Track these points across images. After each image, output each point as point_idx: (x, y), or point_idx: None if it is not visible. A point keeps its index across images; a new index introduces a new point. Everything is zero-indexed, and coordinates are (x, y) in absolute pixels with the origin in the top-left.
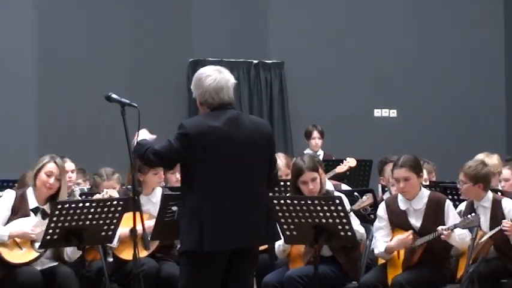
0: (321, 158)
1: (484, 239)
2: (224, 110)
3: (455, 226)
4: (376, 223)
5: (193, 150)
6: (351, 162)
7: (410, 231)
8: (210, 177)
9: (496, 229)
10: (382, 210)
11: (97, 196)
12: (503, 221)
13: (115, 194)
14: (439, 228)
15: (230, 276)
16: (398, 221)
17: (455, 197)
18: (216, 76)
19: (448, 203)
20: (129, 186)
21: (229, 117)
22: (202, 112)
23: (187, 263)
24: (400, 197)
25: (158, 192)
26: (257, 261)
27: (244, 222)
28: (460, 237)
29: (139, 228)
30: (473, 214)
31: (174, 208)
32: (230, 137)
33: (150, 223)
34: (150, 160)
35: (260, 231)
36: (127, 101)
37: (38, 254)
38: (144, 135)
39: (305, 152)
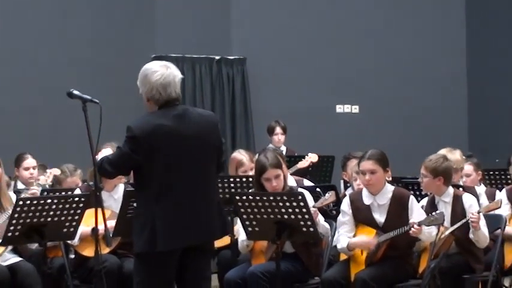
0: (283, 153)
1: (445, 234)
2: (171, 106)
3: (420, 223)
4: (340, 218)
5: (142, 151)
6: (312, 157)
7: (375, 242)
8: (161, 176)
9: (458, 224)
10: (346, 205)
11: (41, 178)
12: (470, 212)
13: (57, 172)
14: (411, 221)
15: (186, 272)
16: (362, 216)
17: (417, 192)
18: (163, 72)
19: (412, 199)
20: (91, 183)
21: (177, 113)
22: (149, 109)
23: (140, 263)
24: (364, 192)
25: (120, 188)
26: (211, 257)
27: (197, 220)
28: (429, 231)
29: (101, 224)
30: (437, 211)
31: (136, 204)
32: (179, 134)
33: (112, 220)
34: (107, 171)
35: (213, 228)
36: (88, 97)
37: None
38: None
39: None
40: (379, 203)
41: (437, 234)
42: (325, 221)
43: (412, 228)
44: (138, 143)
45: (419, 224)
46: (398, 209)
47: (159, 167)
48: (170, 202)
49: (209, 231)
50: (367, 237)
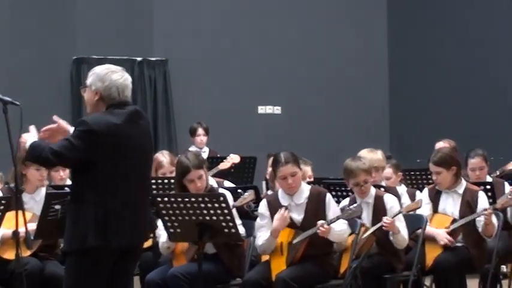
0: (206, 155)
1: (366, 234)
2: (122, 108)
3: (338, 217)
4: (258, 221)
5: (96, 146)
6: (234, 158)
7: (283, 208)
8: (112, 175)
9: (378, 225)
10: (263, 207)
11: None
12: (384, 217)
13: None
14: (319, 222)
15: (117, 274)
16: None
17: (339, 193)
18: (122, 74)
19: (329, 197)
20: (12, 185)
21: (129, 115)
22: (93, 107)
23: (79, 262)
24: (280, 193)
25: (42, 190)
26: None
27: (141, 220)
28: (339, 233)
29: (21, 227)
30: (355, 205)
31: (57, 207)
32: (131, 136)
33: (33, 223)
34: (49, 161)
35: (148, 227)
36: (9, 99)
37: None
38: (33, 134)
39: (190, 149)
40: (297, 203)
41: (357, 234)
42: (245, 221)
43: (321, 228)
44: (92, 137)
45: (338, 218)
46: (315, 208)
47: (109, 164)
48: (119, 199)
49: (148, 232)
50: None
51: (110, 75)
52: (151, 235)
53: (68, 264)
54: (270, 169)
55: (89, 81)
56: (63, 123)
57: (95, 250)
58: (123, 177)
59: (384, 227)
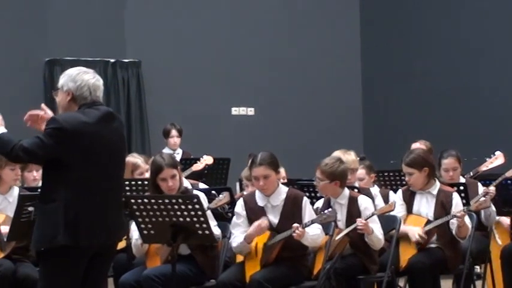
0: (179, 156)
1: (340, 236)
2: (94, 108)
3: (313, 221)
4: (234, 220)
5: (66, 145)
6: (207, 160)
7: (264, 218)
8: (83, 174)
9: (352, 226)
10: (240, 206)
11: None
12: (358, 219)
13: None
14: (294, 225)
15: (91, 274)
16: (256, 217)
17: (313, 194)
18: (94, 75)
19: (306, 200)
20: None
21: (102, 115)
22: (65, 107)
23: (51, 261)
24: (258, 193)
25: (15, 191)
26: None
27: (113, 220)
28: (313, 237)
29: None
30: (329, 209)
31: (31, 208)
32: (103, 136)
33: (6, 225)
34: (18, 157)
35: (122, 229)
36: None
37: None
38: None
39: (164, 151)
40: (273, 204)
41: (331, 236)
42: (219, 222)
43: (296, 231)
44: (63, 136)
45: (312, 222)
46: (292, 210)
47: (80, 163)
48: (90, 199)
49: (119, 232)
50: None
51: (82, 76)
52: (125, 237)
53: (41, 266)
54: (246, 169)
55: (60, 82)
56: (50, 113)
57: (65, 249)
58: (94, 178)
59: (358, 229)
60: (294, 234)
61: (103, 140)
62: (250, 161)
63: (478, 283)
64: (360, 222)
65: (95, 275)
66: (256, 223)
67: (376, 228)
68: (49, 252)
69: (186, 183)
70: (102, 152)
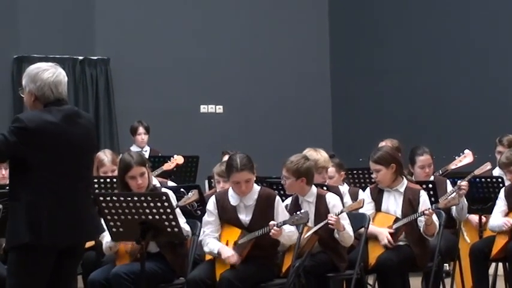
0: (147, 154)
1: (309, 233)
2: (59, 105)
3: (285, 223)
4: (205, 217)
5: (30, 144)
6: (178, 159)
7: (232, 256)
8: (46, 172)
9: (321, 224)
10: (211, 204)
11: None
12: (329, 215)
13: None
14: (271, 223)
15: (59, 274)
16: (227, 216)
17: (282, 192)
18: (54, 70)
19: (278, 200)
20: None
21: (66, 113)
22: (31, 107)
23: (18, 259)
24: (230, 192)
25: None
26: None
27: (79, 219)
28: (289, 234)
29: None
30: (302, 211)
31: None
32: (68, 133)
33: None
34: None
35: (92, 228)
36: None
37: None
38: None
39: (131, 148)
40: (246, 204)
41: (300, 234)
42: (189, 220)
43: (272, 230)
44: (27, 135)
45: (284, 223)
46: (264, 209)
47: (45, 162)
48: (55, 198)
49: (89, 232)
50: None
51: (41, 75)
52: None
53: (8, 263)
54: (218, 165)
55: (23, 83)
56: None
57: (30, 248)
58: (59, 176)
59: (329, 225)
60: (271, 233)
61: (68, 138)
62: (226, 164)
63: (447, 281)
64: (331, 217)
65: (63, 273)
66: (226, 256)
67: (346, 224)
68: (15, 250)
69: (155, 181)
70: (67, 151)
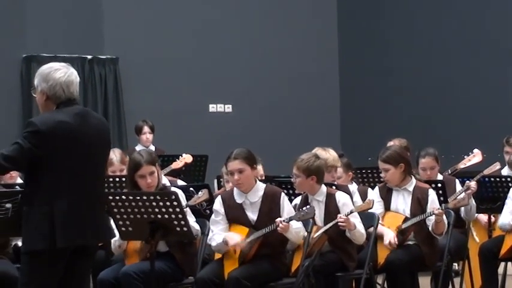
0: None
1: (318, 233)
2: (71, 105)
3: (291, 219)
4: (213, 217)
5: (44, 147)
6: (187, 158)
7: (243, 245)
8: (61, 174)
9: (331, 224)
10: (218, 204)
11: None
12: (339, 215)
13: None
14: (277, 220)
15: (72, 274)
16: (234, 214)
17: (291, 191)
18: (66, 70)
19: (283, 196)
20: None
21: (78, 112)
22: (44, 107)
23: (30, 262)
24: (236, 190)
25: None
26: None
27: (92, 220)
28: (296, 230)
29: None
30: (308, 206)
31: (8, 205)
32: (80, 133)
33: None
34: (2, 166)
35: (104, 229)
36: None
37: None
38: None
39: (136, 148)
40: (251, 201)
41: (309, 233)
42: (198, 219)
43: (280, 225)
44: (41, 138)
45: (291, 219)
46: (270, 207)
47: (59, 164)
48: (68, 200)
49: (102, 233)
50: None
51: (53, 74)
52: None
53: (21, 263)
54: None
55: (35, 82)
56: None
57: (43, 252)
58: (72, 177)
59: (339, 225)
60: (279, 228)
61: (80, 138)
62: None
63: (456, 280)
64: (340, 217)
65: (78, 273)
66: (234, 242)
67: (357, 223)
68: (28, 253)
69: (165, 180)
70: (80, 150)
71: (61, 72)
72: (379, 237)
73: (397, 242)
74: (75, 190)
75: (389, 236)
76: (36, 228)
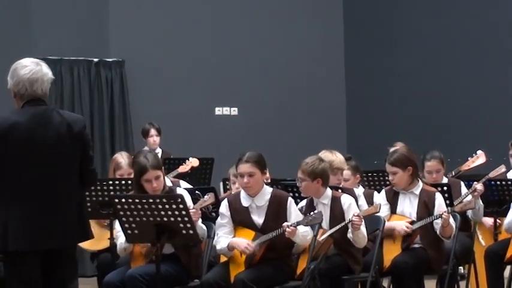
0: (159, 155)
1: (324, 236)
2: (34, 105)
3: (298, 223)
4: (219, 220)
5: None
6: (193, 162)
7: (250, 249)
8: (13, 176)
9: (337, 227)
10: (224, 207)
11: None
12: (354, 213)
13: None
14: (284, 224)
15: (51, 280)
16: (240, 218)
17: (297, 194)
18: (32, 67)
19: (291, 201)
20: None
21: (37, 113)
22: (16, 105)
23: (4, 265)
24: (242, 193)
25: None
26: (75, 262)
27: (51, 223)
28: (303, 234)
29: None
30: (315, 211)
31: None
32: (35, 134)
33: None
34: None
35: (68, 232)
36: None
37: None
38: None
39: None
40: (258, 205)
41: (315, 236)
42: (203, 222)
43: (287, 229)
44: None
45: (298, 223)
46: (276, 211)
47: (13, 166)
48: (23, 204)
49: (64, 236)
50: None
51: (18, 71)
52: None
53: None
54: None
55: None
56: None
57: (6, 254)
58: (26, 180)
59: (353, 223)
60: (286, 233)
61: (35, 140)
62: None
63: (462, 284)
64: (355, 216)
65: (52, 278)
66: (243, 245)
67: (361, 226)
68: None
69: (167, 181)
70: (35, 153)
71: (26, 70)
72: (386, 239)
73: (409, 228)
74: (29, 194)
75: (401, 224)
76: None
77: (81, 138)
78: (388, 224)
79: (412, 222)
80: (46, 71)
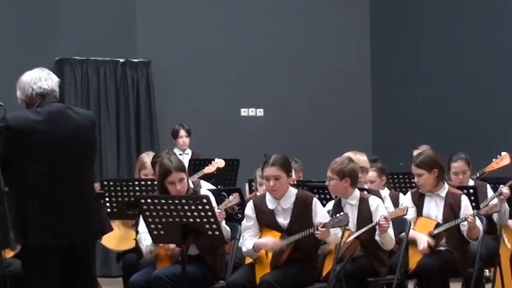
0: (189, 156)
1: (351, 238)
2: (46, 104)
3: (324, 226)
4: (244, 222)
5: (15, 144)
6: (219, 163)
7: (281, 243)
8: (33, 173)
9: (364, 229)
10: (249, 209)
11: None
12: (382, 215)
13: None
14: (318, 222)
15: (68, 278)
16: (266, 220)
17: (323, 196)
18: (34, 71)
19: (316, 201)
20: None
21: (52, 110)
22: None
23: (23, 260)
24: (268, 196)
25: None
26: (94, 257)
27: (71, 219)
28: (335, 232)
29: None
30: (342, 213)
31: None
32: (54, 132)
33: None
34: None
35: (88, 228)
36: None
37: None
38: None
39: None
40: (283, 207)
41: (341, 238)
42: (229, 223)
43: (317, 232)
44: (12, 135)
45: (324, 226)
46: (302, 212)
47: (28, 164)
48: (39, 199)
49: (85, 232)
50: (273, 239)
51: (22, 79)
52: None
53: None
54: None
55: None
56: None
57: (25, 249)
58: (43, 176)
59: (381, 226)
60: (318, 234)
61: (53, 138)
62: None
63: (488, 286)
64: (383, 218)
65: (71, 274)
66: (272, 239)
67: (389, 228)
68: (21, 251)
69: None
70: (52, 150)
71: (28, 74)
72: (411, 243)
73: (432, 244)
74: (45, 190)
75: (424, 240)
76: (11, 226)
77: (93, 132)
78: (412, 234)
79: (437, 225)
80: (49, 72)
